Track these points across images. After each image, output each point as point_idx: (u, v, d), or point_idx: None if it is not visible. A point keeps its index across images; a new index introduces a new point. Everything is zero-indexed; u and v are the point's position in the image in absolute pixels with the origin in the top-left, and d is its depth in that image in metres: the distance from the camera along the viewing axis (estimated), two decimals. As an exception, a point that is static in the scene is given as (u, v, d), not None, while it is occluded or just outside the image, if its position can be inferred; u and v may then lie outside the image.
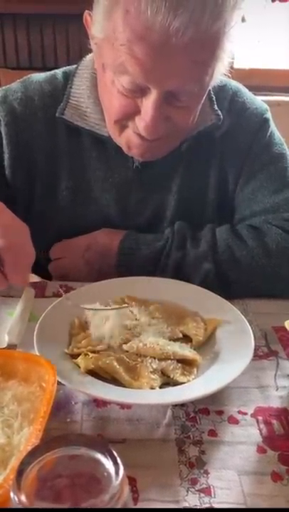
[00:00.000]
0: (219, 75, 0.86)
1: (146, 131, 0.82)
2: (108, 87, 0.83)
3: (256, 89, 1.09)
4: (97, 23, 0.80)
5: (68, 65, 1.04)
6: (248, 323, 0.78)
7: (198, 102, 0.86)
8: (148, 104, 0.79)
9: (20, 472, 0.40)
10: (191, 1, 0.70)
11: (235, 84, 1.04)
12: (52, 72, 1.03)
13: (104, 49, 0.80)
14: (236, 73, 0.97)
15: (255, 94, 1.06)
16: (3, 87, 1.01)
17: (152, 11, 0.70)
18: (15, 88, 0.99)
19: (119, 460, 0.44)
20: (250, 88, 1.07)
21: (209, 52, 0.77)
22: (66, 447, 0.44)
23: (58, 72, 1.02)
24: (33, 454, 0.43)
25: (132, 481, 0.56)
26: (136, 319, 0.79)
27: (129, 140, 0.88)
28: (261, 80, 2.41)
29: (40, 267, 1.01)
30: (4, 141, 0.97)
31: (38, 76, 1.01)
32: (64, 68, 1.03)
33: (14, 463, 0.50)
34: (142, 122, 0.82)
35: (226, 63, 0.84)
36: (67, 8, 1.50)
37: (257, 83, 2.09)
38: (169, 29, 0.70)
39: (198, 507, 0.54)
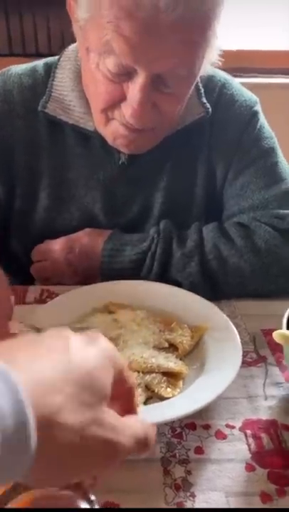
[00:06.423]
0: (209, 63, 0.82)
1: (133, 117, 0.78)
2: (93, 73, 0.79)
3: (244, 71, 1.05)
4: (82, 4, 0.75)
5: (50, 51, 0.98)
6: (235, 330, 0.75)
7: (187, 90, 0.82)
8: (135, 88, 0.75)
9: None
10: None
11: (223, 75, 1.00)
12: (32, 64, 0.97)
13: (88, 31, 0.76)
14: (224, 55, 0.93)
15: (243, 76, 1.02)
16: None
17: None
18: None
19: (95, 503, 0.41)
20: (239, 70, 1.02)
21: (200, 33, 0.73)
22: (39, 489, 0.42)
23: (39, 64, 0.97)
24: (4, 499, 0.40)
25: (114, 506, 0.54)
26: (120, 328, 0.76)
27: (115, 131, 0.84)
28: (249, 62, 2.36)
29: (22, 270, 0.97)
30: None
31: (18, 68, 0.96)
32: (45, 60, 0.97)
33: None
34: (128, 108, 0.78)
35: (215, 51, 0.80)
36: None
37: (245, 65, 2.03)
38: (158, 5, 0.67)
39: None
